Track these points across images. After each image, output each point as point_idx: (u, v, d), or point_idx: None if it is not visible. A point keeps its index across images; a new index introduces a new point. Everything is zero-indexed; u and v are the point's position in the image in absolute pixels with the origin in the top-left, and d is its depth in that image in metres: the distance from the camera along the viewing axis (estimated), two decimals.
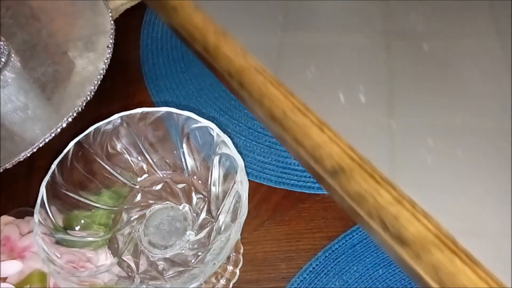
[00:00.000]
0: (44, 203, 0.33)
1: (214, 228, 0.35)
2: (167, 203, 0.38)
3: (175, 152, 0.38)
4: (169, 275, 0.34)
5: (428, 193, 0.36)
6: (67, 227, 0.35)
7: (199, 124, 0.35)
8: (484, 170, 0.40)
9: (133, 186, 0.38)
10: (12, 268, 0.36)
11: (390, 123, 0.43)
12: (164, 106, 0.35)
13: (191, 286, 0.30)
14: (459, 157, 0.41)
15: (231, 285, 0.39)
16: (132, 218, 0.37)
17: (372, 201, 0.29)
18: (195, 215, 0.37)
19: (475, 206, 0.37)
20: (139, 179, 0.39)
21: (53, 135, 0.41)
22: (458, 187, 0.38)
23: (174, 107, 0.35)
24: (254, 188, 0.42)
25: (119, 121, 0.36)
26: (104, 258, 0.35)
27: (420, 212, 0.28)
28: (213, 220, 0.36)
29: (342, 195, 0.30)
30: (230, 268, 0.39)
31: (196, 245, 0.35)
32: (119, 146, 0.37)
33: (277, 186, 0.43)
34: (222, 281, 0.38)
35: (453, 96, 0.46)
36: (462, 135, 0.43)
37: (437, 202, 0.37)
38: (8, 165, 0.40)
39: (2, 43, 0.49)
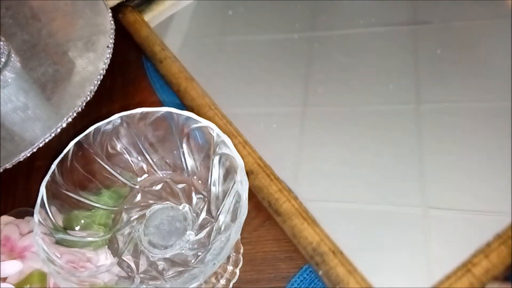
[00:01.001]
0: (44, 203, 0.33)
1: (214, 228, 0.35)
2: (167, 203, 0.38)
3: (175, 152, 0.38)
4: (169, 275, 0.34)
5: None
6: (67, 227, 0.35)
7: (199, 124, 0.35)
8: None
9: (133, 186, 0.38)
10: (12, 268, 0.36)
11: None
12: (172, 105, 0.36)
13: (191, 286, 0.30)
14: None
15: (231, 285, 0.39)
16: (132, 218, 0.37)
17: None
18: (195, 215, 0.37)
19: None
20: (139, 179, 0.39)
21: (53, 135, 0.41)
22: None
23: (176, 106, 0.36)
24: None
25: (119, 121, 0.36)
26: (104, 258, 0.35)
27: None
28: (213, 220, 0.36)
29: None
30: (230, 268, 0.39)
31: (196, 245, 0.35)
32: (119, 146, 0.37)
33: None
34: (222, 281, 0.38)
35: (480, 78, 0.47)
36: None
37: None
38: (8, 165, 0.40)
39: (2, 43, 0.49)
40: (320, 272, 0.36)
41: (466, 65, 0.48)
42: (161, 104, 0.50)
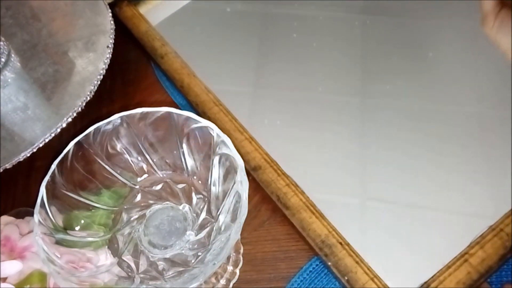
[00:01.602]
0: (44, 203, 0.33)
1: (214, 228, 0.35)
2: (167, 203, 0.38)
3: (175, 152, 0.38)
4: (169, 275, 0.34)
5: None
6: (67, 227, 0.35)
7: (199, 124, 0.35)
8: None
9: (133, 186, 0.38)
10: (12, 268, 0.36)
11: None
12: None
13: (191, 286, 0.30)
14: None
15: (231, 285, 0.39)
16: (132, 218, 0.37)
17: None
18: (195, 215, 0.37)
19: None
20: (139, 179, 0.39)
21: (53, 135, 0.41)
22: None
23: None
24: (254, 188, 0.42)
25: (119, 121, 0.36)
26: (104, 258, 0.35)
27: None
28: (213, 220, 0.36)
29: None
30: (230, 268, 0.39)
31: (196, 245, 0.35)
32: (119, 146, 0.37)
33: None
34: (222, 281, 0.38)
35: (424, 77, 0.49)
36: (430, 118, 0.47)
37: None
38: (8, 165, 0.40)
39: (2, 43, 0.49)
40: (330, 263, 0.38)
41: (411, 63, 0.50)
42: (164, 104, 0.50)
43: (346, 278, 0.37)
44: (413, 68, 0.49)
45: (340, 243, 0.38)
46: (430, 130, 0.45)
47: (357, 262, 0.37)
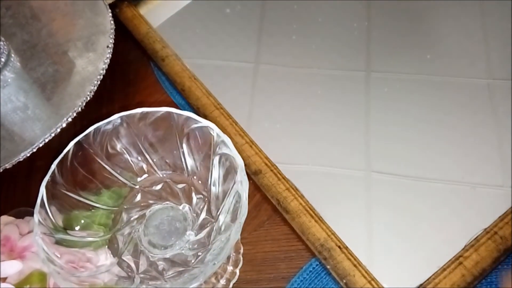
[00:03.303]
0: (44, 203, 0.33)
1: (214, 228, 0.35)
2: (167, 203, 0.38)
3: (175, 152, 0.38)
4: (169, 275, 0.34)
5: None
6: (67, 227, 0.35)
7: (199, 124, 0.35)
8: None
9: (133, 186, 0.38)
10: (12, 268, 0.36)
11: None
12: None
13: (191, 286, 0.30)
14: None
15: (231, 285, 0.39)
16: (132, 218, 0.37)
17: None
18: (195, 215, 0.37)
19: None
20: (139, 179, 0.39)
21: (53, 135, 0.41)
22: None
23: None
24: (254, 188, 0.42)
25: (119, 121, 0.36)
26: (104, 258, 0.35)
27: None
28: (213, 220, 0.36)
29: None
30: (230, 268, 0.39)
31: (196, 245, 0.35)
32: (119, 146, 0.37)
33: None
34: (222, 281, 0.38)
35: (431, 50, 0.50)
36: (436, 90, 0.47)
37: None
38: (8, 165, 0.40)
39: (2, 43, 0.49)
40: (328, 266, 0.38)
41: (416, 38, 0.50)
42: (164, 104, 0.50)
43: (344, 281, 0.37)
44: (420, 41, 0.49)
45: (339, 247, 0.38)
46: (438, 104, 0.46)
47: (355, 266, 0.37)
